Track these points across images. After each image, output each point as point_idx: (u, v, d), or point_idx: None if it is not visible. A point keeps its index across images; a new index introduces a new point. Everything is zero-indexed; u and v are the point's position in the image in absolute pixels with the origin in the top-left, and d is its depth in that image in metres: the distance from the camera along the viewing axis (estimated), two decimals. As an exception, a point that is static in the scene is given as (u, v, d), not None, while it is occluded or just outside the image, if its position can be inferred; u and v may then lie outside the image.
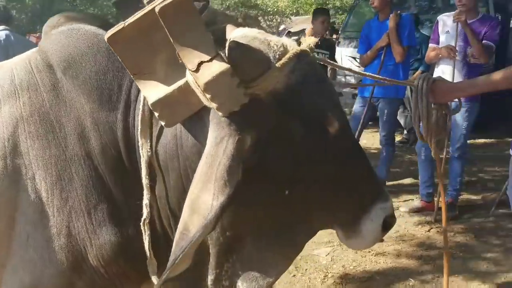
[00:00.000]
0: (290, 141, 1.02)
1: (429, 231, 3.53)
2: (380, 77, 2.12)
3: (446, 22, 3.57)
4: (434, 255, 3.14)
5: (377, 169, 4.38)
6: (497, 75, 1.77)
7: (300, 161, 1.04)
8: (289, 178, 1.04)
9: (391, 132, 4.20)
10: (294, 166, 1.04)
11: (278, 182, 1.04)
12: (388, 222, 1.15)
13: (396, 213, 3.80)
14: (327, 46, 4.78)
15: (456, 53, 3.40)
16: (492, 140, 6.25)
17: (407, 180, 4.69)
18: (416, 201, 3.97)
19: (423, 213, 3.85)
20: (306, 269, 2.99)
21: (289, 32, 12.34)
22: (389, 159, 4.28)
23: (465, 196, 4.25)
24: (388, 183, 4.59)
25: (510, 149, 2.02)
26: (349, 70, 1.58)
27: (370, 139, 6.32)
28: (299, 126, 1.01)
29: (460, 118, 3.61)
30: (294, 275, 2.92)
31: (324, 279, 2.88)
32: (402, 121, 6.06)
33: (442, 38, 3.61)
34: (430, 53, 3.69)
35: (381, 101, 4.09)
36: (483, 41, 3.42)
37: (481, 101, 3.65)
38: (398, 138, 5.98)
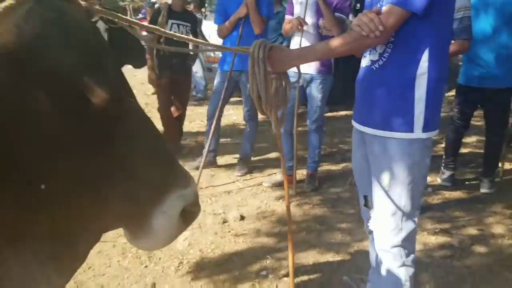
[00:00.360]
0: (34, 118, 0.74)
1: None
2: (213, 43, 1.91)
3: (299, -8, 3.49)
4: (295, 229, 3.10)
5: (242, 145, 4.29)
6: (336, 41, 1.66)
7: (54, 143, 0.76)
8: (42, 167, 0.76)
9: (254, 107, 4.08)
10: (47, 151, 0.76)
11: (28, 173, 0.76)
12: (190, 212, 0.93)
13: (259, 189, 3.71)
14: (189, 18, 4.51)
15: (305, 25, 3.35)
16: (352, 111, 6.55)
17: (272, 155, 4.66)
18: (278, 175, 3.94)
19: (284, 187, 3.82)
20: (160, 258, 2.75)
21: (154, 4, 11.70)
22: (253, 134, 4.18)
23: (325, 167, 4.34)
24: (253, 158, 4.53)
25: (352, 120, 1.96)
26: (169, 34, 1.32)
27: (241, 115, 6.22)
28: (46, 95, 0.73)
29: (315, 91, 3.61)
30: (146, 266, 2.66)
31: (178, 266, 2.66)
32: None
33: (297, 9, 3.54)
34: (285, 26, 3.61)
35: (243, 74, 3.94)
36: (335, 13, 3.41)
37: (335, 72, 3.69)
38: (265, 112, 5.97)
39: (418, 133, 1.70)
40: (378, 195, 1.79)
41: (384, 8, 1.63)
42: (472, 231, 3.04)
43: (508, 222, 3.17)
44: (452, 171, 3.85)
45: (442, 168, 3.92)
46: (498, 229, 3.06)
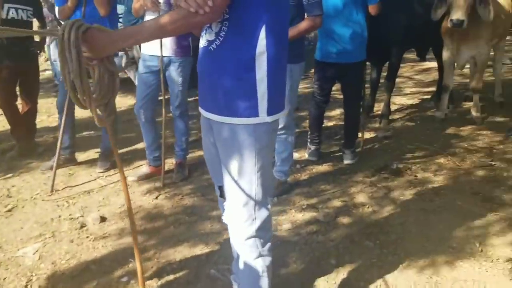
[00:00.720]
0: None
1: (157, 198, 3.29)
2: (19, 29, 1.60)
3: (146, -32, 3.21)
4: (159, 225, 2.91)
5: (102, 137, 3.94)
6: (164, 18, 1.47)
7: None
8: None
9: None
10: None
11: None
12: None
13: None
14: (30, 1, 3.99)
15: (160, 3, 3.11)
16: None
17: (140, 145, 4.36)
18: (144, 167, 3.69)
19: (152, 179, 3.60)
20: (5, 278, 2.38)
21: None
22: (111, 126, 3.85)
23: (196, 153, 4.18)
24: (120, 151, 4.21)
25: (199, 106, 1.80)
26: None
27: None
28: None
29: (174, 74, 3.40)
30: (-16, 292, 2.28)
31: (26, 285, 2.32)
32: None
33: (145, -13, 3.26)
34: (135, 5, 3.31)
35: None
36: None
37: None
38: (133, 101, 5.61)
39: (263, 116, 1.60)
40: (228, 185, 1.66)
41: (214, -20, 1.48)
42: (337, 203, 3.12)
43: (369, 190, 3.32)
44: (317, 145, 3.94)
45: (308, 143, 3.99)
46: (360, 198, 3.18)
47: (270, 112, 1.61)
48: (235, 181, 1.63)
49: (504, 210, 2.90)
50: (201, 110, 1.77)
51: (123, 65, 5.87)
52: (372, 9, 3.62)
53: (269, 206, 1.69)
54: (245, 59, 1.55)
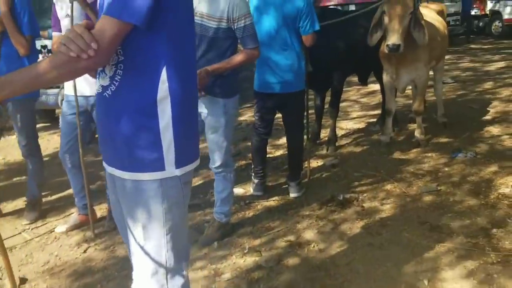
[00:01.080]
0: None
1: (85, 251, 2.99)
2: None
3: (63, 4, 2.99)
4: (86, 283, 2.62)
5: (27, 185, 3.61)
6: (42, 65, 1.26)
7: None
8: None
9: (32, 140, 3.46)
10: None
11: None
12: None
13: (50, 237, 3.10)
14: None
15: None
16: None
17: (72, 191, 4.04)
18: (75, 215, 3.38)
19: (83, 229, 3.29)
20: None
21: None
22: (37, 171, 3.55)
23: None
24: (49, 198, 3.91)
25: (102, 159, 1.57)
26: None
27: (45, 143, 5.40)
28: None
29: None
30: None
31: None
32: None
33: (65, 22, 3.04)
34: (53, 46, 3.08)
35: (11, 104, 3.28)
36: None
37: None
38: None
39: (170, 170, 1.41)
40: (134, 251, 1.45)
41: (99, 20, 1.29)
42: (281, 243, 2.92)
43: (315, 225, 3.15)
44: (261, 179, 3.76)
45: (252, 177, 3.81)
46: (306, 236, 3.00)
47: (179, 164, 1.42)
48: (141, 247, 1.41)
49: (452, 240, 2.79)
50: (104, 164, 1.55)
51: (59, 102, 5.58)
52: (306, 40, 3.48)
53: (184, 272, 1.47)
54: (146, 105, 1.37)
